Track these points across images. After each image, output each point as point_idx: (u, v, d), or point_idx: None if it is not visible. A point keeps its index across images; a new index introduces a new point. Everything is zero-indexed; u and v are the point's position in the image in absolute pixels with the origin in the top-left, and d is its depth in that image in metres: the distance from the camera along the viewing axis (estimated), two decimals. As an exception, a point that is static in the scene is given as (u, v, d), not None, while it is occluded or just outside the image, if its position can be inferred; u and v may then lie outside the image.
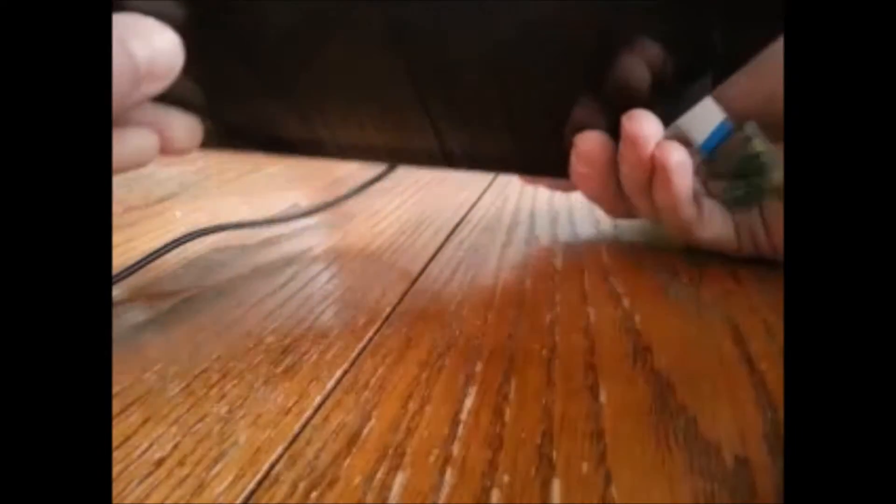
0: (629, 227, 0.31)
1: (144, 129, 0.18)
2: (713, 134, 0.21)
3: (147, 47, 0.15)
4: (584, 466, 0.14)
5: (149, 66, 0.15)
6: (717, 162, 0.22)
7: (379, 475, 0.14)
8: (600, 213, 0.33)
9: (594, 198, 0.26)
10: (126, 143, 0.17)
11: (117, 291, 0.23)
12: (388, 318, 0.21)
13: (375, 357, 0.19)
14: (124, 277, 0.21)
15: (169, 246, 0.23)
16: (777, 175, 0.21)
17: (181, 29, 0.16)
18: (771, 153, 0.21)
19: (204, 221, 0.31)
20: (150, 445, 0.15)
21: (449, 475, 0.14)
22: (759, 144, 0.21)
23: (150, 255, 0.22)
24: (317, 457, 0.14)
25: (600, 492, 0.13)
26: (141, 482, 0.13)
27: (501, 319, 0.21)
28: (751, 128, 0.21)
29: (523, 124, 0.23)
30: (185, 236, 0.24)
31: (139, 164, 0.18)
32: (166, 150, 0.19)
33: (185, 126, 0.19)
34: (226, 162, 0.46)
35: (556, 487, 0.13)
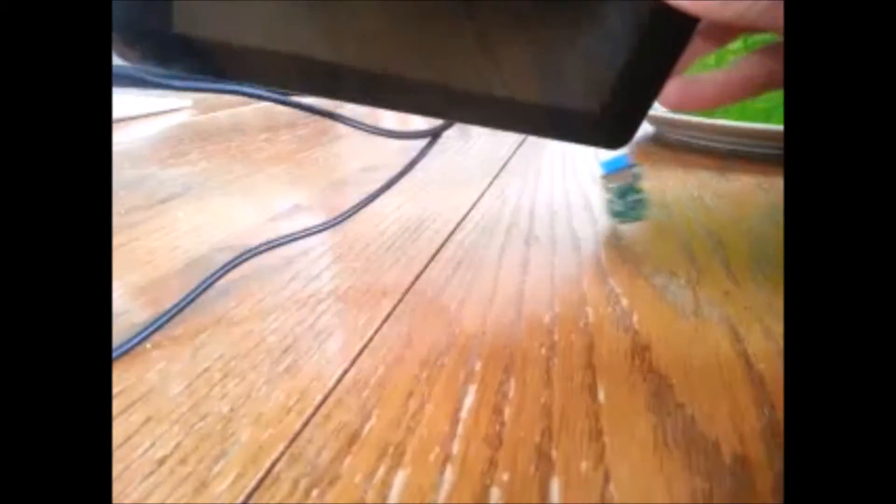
0: (627, 228, 0.31)
1: None
2: (614, 161, 0.29)
3: None
4: (583, 465, 0.14)
5: None
6: (611, 180, 0.30)
7: (379, 473, 0.14)
8: (599, 214, 0.34)
9: None
10: None
11: (119, 291, 0.23)
12: (388, 317, 0.21)
13: (376, 356, 0.19)
14: (168, 320, 0.20)
15: (211, 278, 0.22)
16: (643, 209, 0.30)
17: None
18: (644, 191, 0.30)
19: (206, 222, 0.31)
20: (152, 444, 0.15)
21: (449, 473, 0.14)
22: (640, 182, 0.30)
23: (193, 291, 0.21)
24: (318, 455, 0.14)
25: (599, 490, 0.13)
26: (143, 481, 0.14)
27: (501, 319, 0.21)
28: (638, 168, 0.30)
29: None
30: (231, 261, 0.22)
31: None
32: None
33: None
34: (227, 163, 0.46)
35: (556, 486, 0.14)
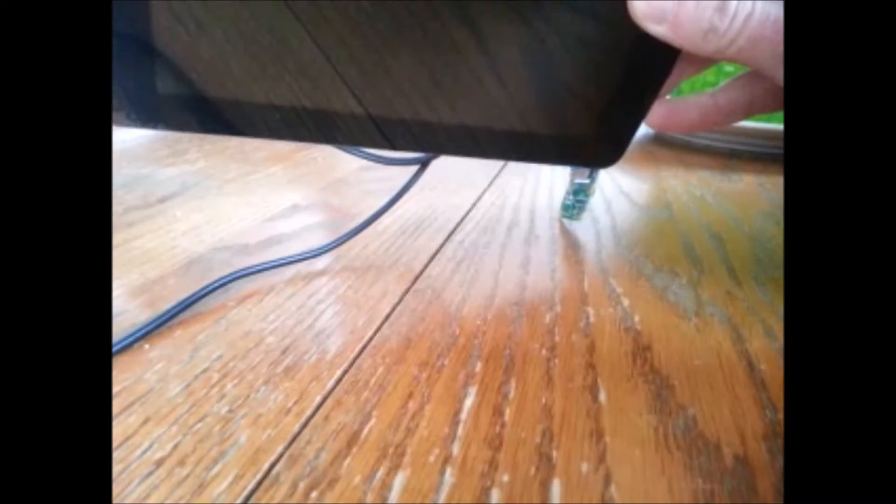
0: (629, 228, 0.31)
1: None
2: None
3: None
4: (584, 466, 0.14)
5: None
6: (577, 175, 0.32)
7: (379, 475, 0.14)
8: (599, 213, 0.34)
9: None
10: None
11: (118, 291, 0.23)
12: (388, 317, 0.21)
13: (375, 357, 0.19)
14: (160, 325, 0.20)
15: (208, 287, 0.22)
16: (580, 211, 0.32)
17: None
18: (589, 197, 0.32)
19: (204, 222, 0.31)
20: (151, 445, 0.15)
21: (449, 475, 0.14)
22: (592, 187, 0.32)
23: (190, 297, 0.22)
24: (317, 456, 0.14)
25: (600, 491, 0.13)
26: (141, 482, 0.13)
27: (501, 319, 0.21)
28: (596, 174, 0.32)
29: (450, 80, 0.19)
30: (228, 275, 0.23)
31: None
32: None
33: None
34: (226, 162, 0.46)
35: (556, 487, 0.13)
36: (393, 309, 0.22)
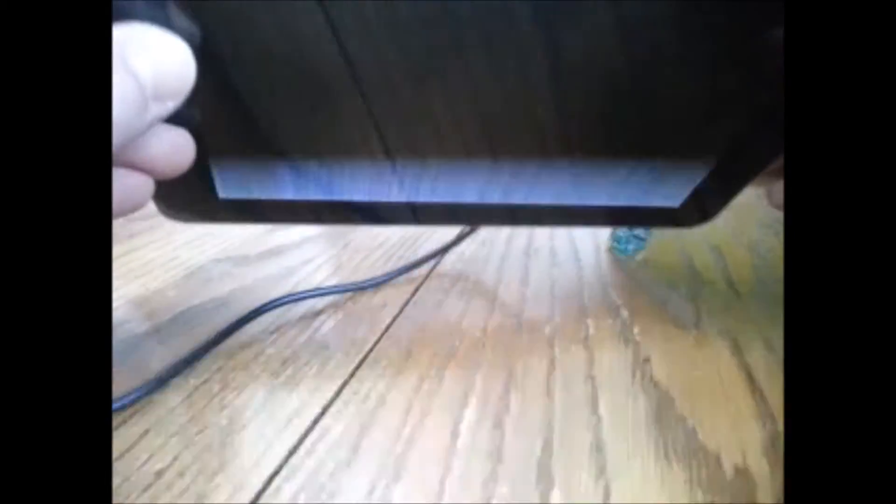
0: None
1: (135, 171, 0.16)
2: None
3: (153, 62, 0.13)
4: (584, 478, 0.14)
5: (156, 84, 0.13)
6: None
7: (379, 487, 0.14)
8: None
9: None
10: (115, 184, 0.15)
11: (118, 302, 0.23)
12: (387, 329, 0.21)
13: (376, 368, 0.19)
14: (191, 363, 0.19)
15: (252, 314, 0.22)
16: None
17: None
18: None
19: (204, 233, 0.31)
20: (150, 457, 0.15)
21: (449, 487, 0.14)
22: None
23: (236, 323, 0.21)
24: (317, 469, 0.14)
25: (600, 504, 0.13)
26: (141, 494, 0.13)
27: (501, 331, 0.21)
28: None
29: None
30: (274, 301, 0.23)
31: (132, 208, 0.16)
32: (151, 171, 0.16)
33: (172, 142, 0.15)
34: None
35: (556, 499, 0.13)
36: (393, 320, 0.22)
